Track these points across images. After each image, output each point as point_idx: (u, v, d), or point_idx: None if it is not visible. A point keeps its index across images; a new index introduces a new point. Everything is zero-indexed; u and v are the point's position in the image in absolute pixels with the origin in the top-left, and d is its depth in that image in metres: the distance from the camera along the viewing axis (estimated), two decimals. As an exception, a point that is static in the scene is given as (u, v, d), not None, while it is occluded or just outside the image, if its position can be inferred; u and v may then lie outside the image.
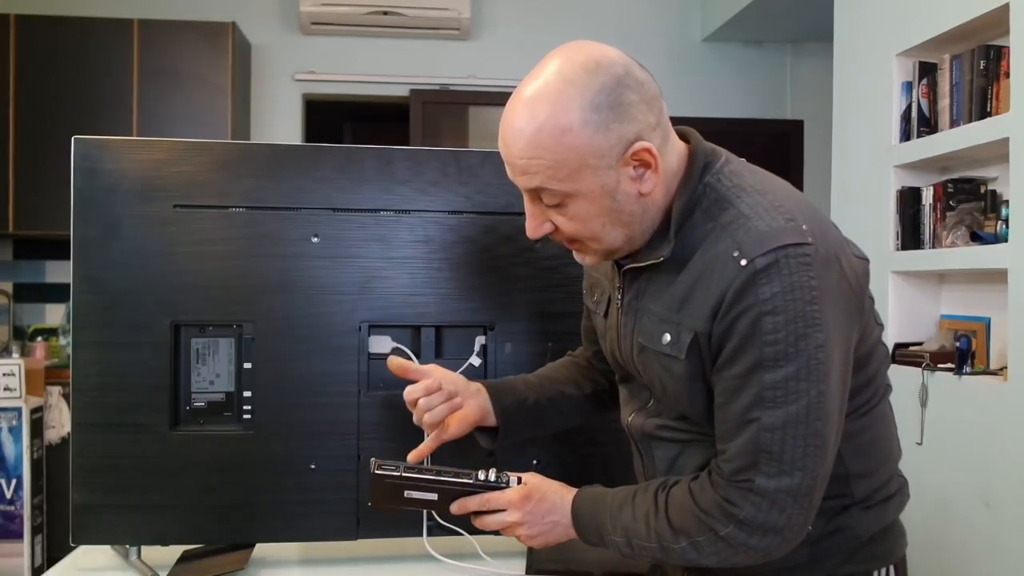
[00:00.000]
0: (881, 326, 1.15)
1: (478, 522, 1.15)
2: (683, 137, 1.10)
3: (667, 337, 1.05)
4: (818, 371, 0.97)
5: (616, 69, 1.00)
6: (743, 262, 0.98)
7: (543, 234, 1.08)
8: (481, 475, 1.14)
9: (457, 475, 1.14)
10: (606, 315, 1.21)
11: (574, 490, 1.15)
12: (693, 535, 1.03)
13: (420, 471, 1.14)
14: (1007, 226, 2.33)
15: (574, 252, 1.13)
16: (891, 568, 1.13)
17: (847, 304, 1.02)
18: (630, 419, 1.20)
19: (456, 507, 1.14)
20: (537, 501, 1.13)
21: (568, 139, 0.98)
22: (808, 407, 0.97)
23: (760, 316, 0.97)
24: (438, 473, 1.14)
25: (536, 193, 1.04)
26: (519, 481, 1.14)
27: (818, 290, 0.97)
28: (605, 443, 1.46)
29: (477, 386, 1.29)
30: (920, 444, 2.53)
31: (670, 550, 1.05)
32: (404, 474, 1.14)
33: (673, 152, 1.07)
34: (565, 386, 1.35)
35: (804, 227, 0.99)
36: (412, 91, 4.61)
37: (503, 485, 1.14)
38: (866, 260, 1.12)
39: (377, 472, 1.14)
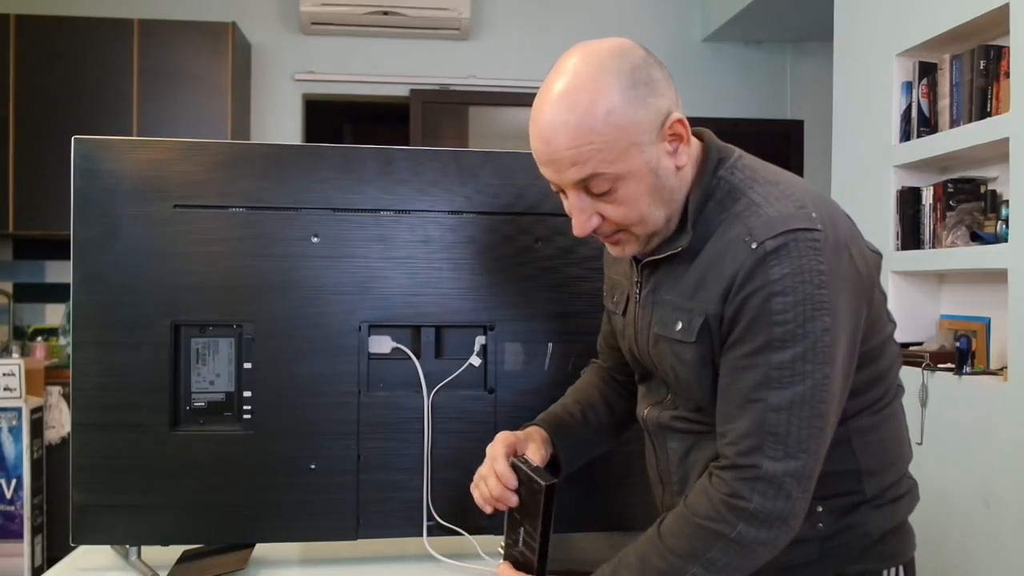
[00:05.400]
0: (894, 323, 1.16)
1: None
2: (698, 136, 1.14)
3: (680, 324, 1.07)
4: (824, 354, 0.99)
5: (638, 50, 1.05)
6: (753, 245, 1.00)
7: (592, 228, 1.08)
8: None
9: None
10: (624, 313, 1.22)
11: None
12: (701, 552, 1.01)
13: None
14: (1007, 226, 2.33)
15: (611, 246, 1.13)
16: (900, 568, 1.13)
17: (856, 293, 1.04)
18: (646, 412, 1.21)
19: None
20: None
21: (614, 119, 1.00)
22: (813, 389, 0.99)
23: (771, 296, 0.98)
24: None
25: (584, 184, 1.04)
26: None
27: (827, 275, 0.99)
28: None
29: (541, 436, 1.27)
30: (920, 444, 2.53)
31: None
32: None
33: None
34: (602, 414, 1.34)
35: (814, 214, 1.02)
36: (412, 91, 4.61)
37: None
38: (879, 254, 1.13)
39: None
